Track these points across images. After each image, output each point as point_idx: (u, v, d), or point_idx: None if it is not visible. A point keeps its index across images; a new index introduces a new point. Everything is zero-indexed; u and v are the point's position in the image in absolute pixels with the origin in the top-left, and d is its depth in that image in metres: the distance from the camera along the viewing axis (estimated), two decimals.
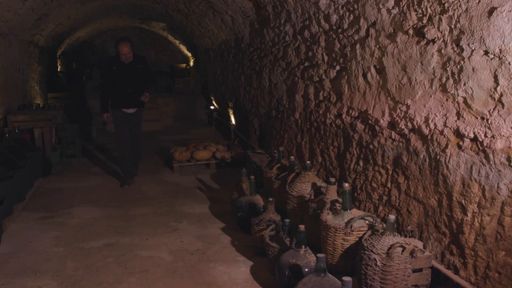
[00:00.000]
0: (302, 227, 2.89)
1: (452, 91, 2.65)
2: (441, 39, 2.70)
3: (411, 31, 2.96)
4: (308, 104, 4.73)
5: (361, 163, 3.70)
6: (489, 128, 2.42)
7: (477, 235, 2.54)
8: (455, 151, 2.66)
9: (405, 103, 3.08)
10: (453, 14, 2.55)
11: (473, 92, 2.50)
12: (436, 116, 2.80)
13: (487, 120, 2.43)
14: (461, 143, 2.62)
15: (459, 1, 2.49)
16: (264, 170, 4.48)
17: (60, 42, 11.12)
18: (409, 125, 3.07)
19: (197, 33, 9.71)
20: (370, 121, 3.55)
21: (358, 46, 3.61)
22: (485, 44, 2.37)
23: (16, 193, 4.43)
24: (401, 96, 3.12)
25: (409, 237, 2.72)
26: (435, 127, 2.82)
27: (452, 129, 2.69)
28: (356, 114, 3.76)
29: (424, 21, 2.82)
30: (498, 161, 2.38)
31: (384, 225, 2.72)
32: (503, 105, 2.33)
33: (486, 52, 2.38)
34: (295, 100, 5.04)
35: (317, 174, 4.24)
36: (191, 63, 14.02)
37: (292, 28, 4.93)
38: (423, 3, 2.78)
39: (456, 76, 2.60)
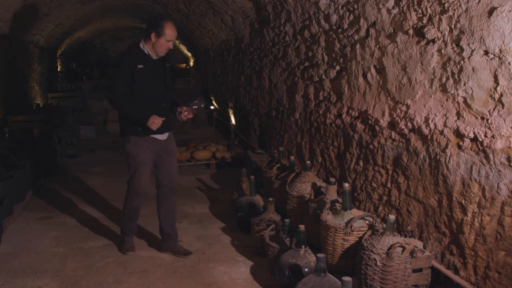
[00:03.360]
0: (302, 227, 2.89)
1: (452, 91, 2.65)
2: (441, 39, 2.70)
3: (411, 31, 2.96)
4: (308, 104, 4.73)
5: (361, 163, 3.70)
6: (489, 128, 2.42)
7: (477, 235, 2.54)
8: (455, 151, 2.66)
9: (405, 103, 3.08)
10: (453, 14, 2.55)
11: (473, 92, 2.50)
12: (436, 116, 2.80)
13: (487, 120, 2.43)
14: (461, 143, 2.62)
15: (459, 1, 2.49)
16: (264, 170, 4.48)
17: (60, 42, 11.12)
18: (409, 125, 3.07)
19: (197, 33, 9.71)
20: (370, 121, 3.55)
21: (358, 46, 3.61)
22: (485, 44, 2.37)
23: (16, 193, 4.43)
24: (401, 96, 3.12)
25: (409, 237, 2.72)
26: (435, 127, 2.82)
27: (452, 129, 2.69)
28: (356, 114, 3.76)
29: (424, 21, 2.81)
30: (498, 161, 2.38)
31: (384, 225, 2.72)
32: (503, 105, 2.33)
33: (486, 52, 2.38)
34: (295, 100, 5.04)
35: (317, 174, 4.24)
36: (191, 63, 14.03)
37: (292, 28, 4.93)
38: (423, 3, 2.78)
39: (456, 76, 2.60)
